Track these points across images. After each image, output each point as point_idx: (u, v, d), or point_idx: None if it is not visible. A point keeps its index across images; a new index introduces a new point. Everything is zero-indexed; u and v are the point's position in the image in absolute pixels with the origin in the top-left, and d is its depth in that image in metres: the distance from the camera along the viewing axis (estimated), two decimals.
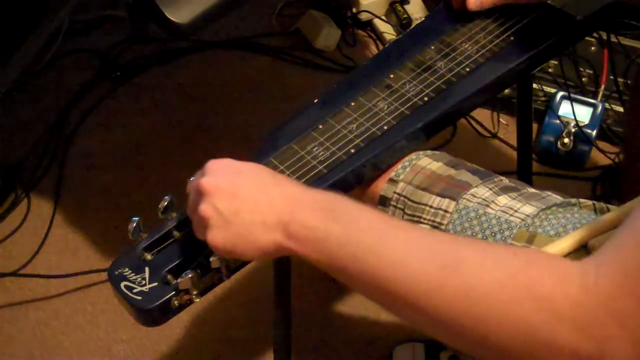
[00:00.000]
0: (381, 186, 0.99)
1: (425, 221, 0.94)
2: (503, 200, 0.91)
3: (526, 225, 0.88)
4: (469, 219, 0.91)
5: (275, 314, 1.16)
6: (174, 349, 1.50)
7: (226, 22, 2.04)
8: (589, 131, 1.74)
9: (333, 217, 0.72)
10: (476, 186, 0.94)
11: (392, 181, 0.98)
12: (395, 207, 0.97)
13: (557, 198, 0.92)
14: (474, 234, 0.90)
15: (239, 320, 1.54)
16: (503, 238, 0.88)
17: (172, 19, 1.10)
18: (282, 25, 2.10)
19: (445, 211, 0.93)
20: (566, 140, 1.75)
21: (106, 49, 2.02)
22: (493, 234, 0.89)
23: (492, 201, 0.91)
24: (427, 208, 0.94)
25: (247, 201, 0.75)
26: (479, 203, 0.92)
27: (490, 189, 0.93)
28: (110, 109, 1.91)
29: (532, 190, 0.95)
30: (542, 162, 1.78)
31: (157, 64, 2.00)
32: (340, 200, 0.75)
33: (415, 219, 0.95)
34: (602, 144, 1.79)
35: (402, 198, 0.96)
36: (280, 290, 1.12)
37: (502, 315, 0.63)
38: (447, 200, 0.93)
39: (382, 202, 0.98)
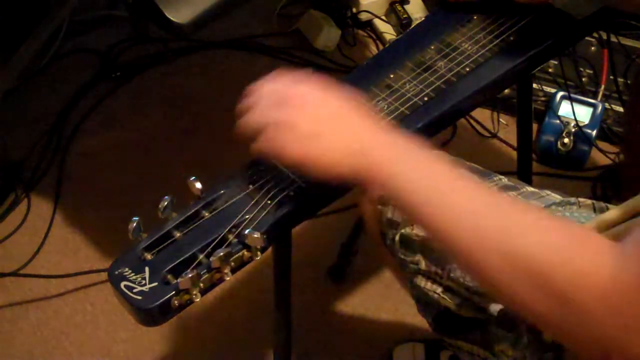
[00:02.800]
0: None
1: None
2: None
3: None
4: None
5: (275, 314, 1.16)
6: (174, 349, 1.50)
7: (226, 22, 2.04)
8: (589, 131, 1.74)
9: (405, 157, 0.76)
10: None
11: None
12: (395, 207, 0.97)
13: (556, 197, 0.92)
14: None
15: (239, 321, 1.54)
16: None
17: (172, 19, 1.10)
18: (282, 25, 2.10)
19: None
20: (566, 140, 1.75)
21: (106, 49, 2.02)
22: None
23: None
24: None
25: (333, 125, 0.79)
26: None
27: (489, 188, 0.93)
28: (110, 109, 1.91)
29: (531, 189, 0.95)
30: (542, 162, 1.78)
31: (157, 64, 2.00)
32: (414, 144, 0.78)
33: None
34: (602, 144, 1.79)
35: None
36: (280, 290, 1.12)
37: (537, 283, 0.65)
38: None
39: (382, 203, 0.98)
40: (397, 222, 0.96)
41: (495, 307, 0.87)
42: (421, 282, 0.95)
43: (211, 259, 0.81)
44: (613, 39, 1.66)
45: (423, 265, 0.94)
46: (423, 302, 0.96)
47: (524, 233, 0.68)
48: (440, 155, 0.79)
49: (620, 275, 0.61)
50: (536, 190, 0.95)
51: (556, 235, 0.67)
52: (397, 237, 0.96)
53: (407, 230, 0.95)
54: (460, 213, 0.71)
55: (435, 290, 0.93)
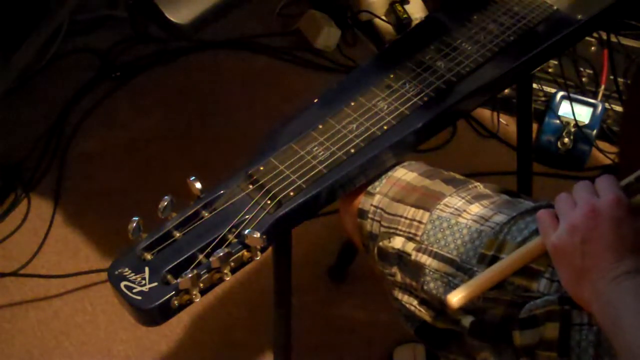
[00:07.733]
0: (360, 199, 0.99)
1: (401, 232, 0.94)
2: (475, 209, 0.92)
3: (495, 233, 0.88)
4: (441, 229, 0.92)
5: (275, 314, 1.16)
6: (174, 349, 1.51)
7: (226, 22, 2.04)
8: (589, 131, 1.74)
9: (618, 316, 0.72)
10: (450, 195, 0.94)
11: (369, 194, 0.98)
12: (373, 219, 0.97)
13: (529, 204, 0.92)
14: (447, 243, 0.90)
15: (239, 320, 1.54)
16: (474, 247, 0.88)
17: (172, 19, 1.10)
18: (282, 25, 2.10)
19: (420, 222, 0.93)
20: (566, 140, 1.75)
21: (106, 49, 2.02)
22: (464, 243, 0.89)
23: (464, 210, 0.92)
24: (402, 219, 0.94)
25: (584, 254, 0.77)
26: (451, 213, 0.92)
27: (463, 198, 0.94)
28: (110, 109, 1.91)
29: (506, 197, 0.95)
30: (542, 162, 1.78)
31: (157, 64, 2.00)
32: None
33: (392, 230, 0.95)
34: (602, 144, 1.79)
35: (378, 210, 0.97)
36: (280, 290, 1.12)
37: None
38: (421, 211, 0.94)
39: (361, 215, 0.99)
40: (376, 235, 0.97)
41: (467, 319, 0.87)
42: (398, 294, 0.95)
43: (211, 259, 0.81)
44: (613, 39, 1.66)
45: (399, 277, 0.94)
46: (404, 314, 0.96)
47: None
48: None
49: None
50: (510, 198, 0.95)
51: None
52: (375, 250, 0.97)
53: (384, 243, 0.95)
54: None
55: (411, 302, 0.94)
